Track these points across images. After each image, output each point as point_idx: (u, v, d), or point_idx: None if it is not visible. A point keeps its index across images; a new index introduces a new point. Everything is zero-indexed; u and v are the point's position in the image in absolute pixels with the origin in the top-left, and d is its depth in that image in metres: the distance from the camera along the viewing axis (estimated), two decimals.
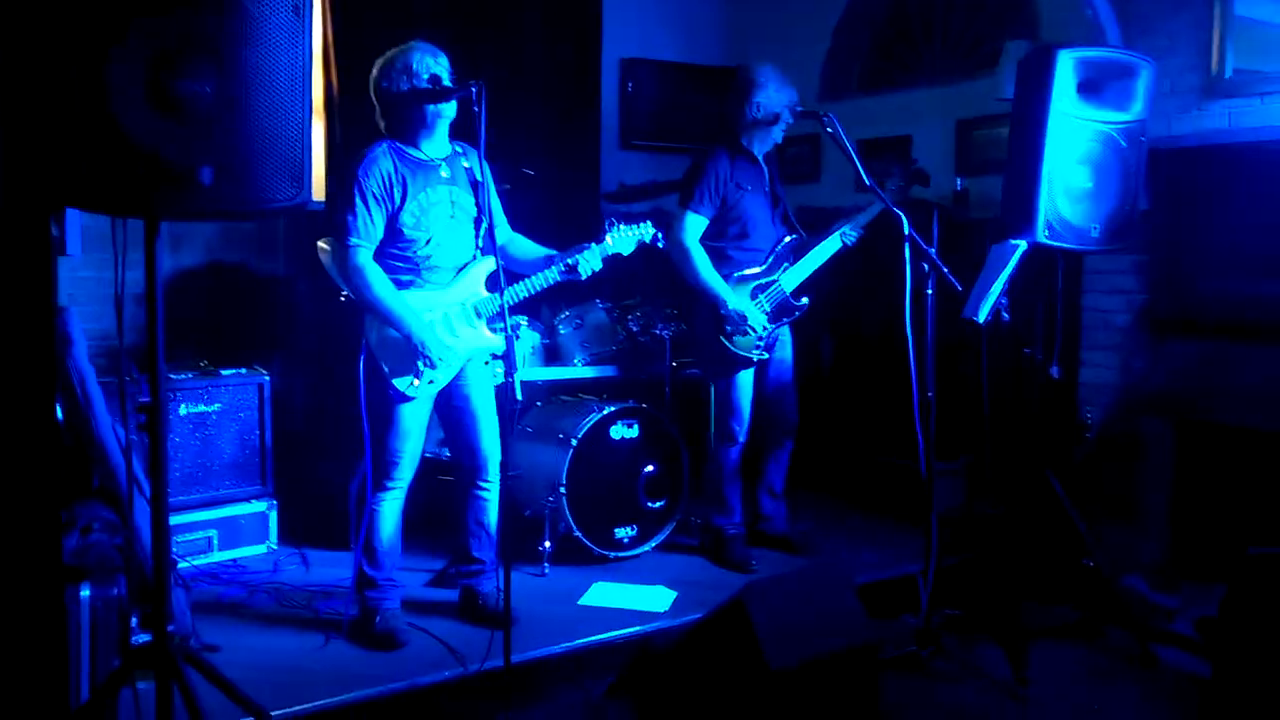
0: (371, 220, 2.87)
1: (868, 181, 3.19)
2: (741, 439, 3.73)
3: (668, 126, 5.39)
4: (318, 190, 4.30)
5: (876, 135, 4.84)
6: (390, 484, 2.99)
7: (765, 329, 3.62)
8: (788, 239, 3.75)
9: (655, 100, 5.39)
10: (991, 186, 3.64)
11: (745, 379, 3.68)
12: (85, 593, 2.34)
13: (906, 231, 3.08)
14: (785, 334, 3.80)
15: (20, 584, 2.11)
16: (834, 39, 5.18)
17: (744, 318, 3.56)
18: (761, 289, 3.66)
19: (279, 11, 1.96)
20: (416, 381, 2.93)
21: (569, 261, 3.05)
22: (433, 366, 2.92)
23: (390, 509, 3.02)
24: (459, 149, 3.06)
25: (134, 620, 2.59)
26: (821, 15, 5.18)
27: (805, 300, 3.72)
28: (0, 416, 1.96)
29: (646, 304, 4.13)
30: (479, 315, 3.04)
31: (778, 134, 3.65)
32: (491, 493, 3.13)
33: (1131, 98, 3.37)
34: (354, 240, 2.87)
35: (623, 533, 3.69)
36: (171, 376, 3.61)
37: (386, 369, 2.92)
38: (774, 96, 3.58)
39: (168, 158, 1.86)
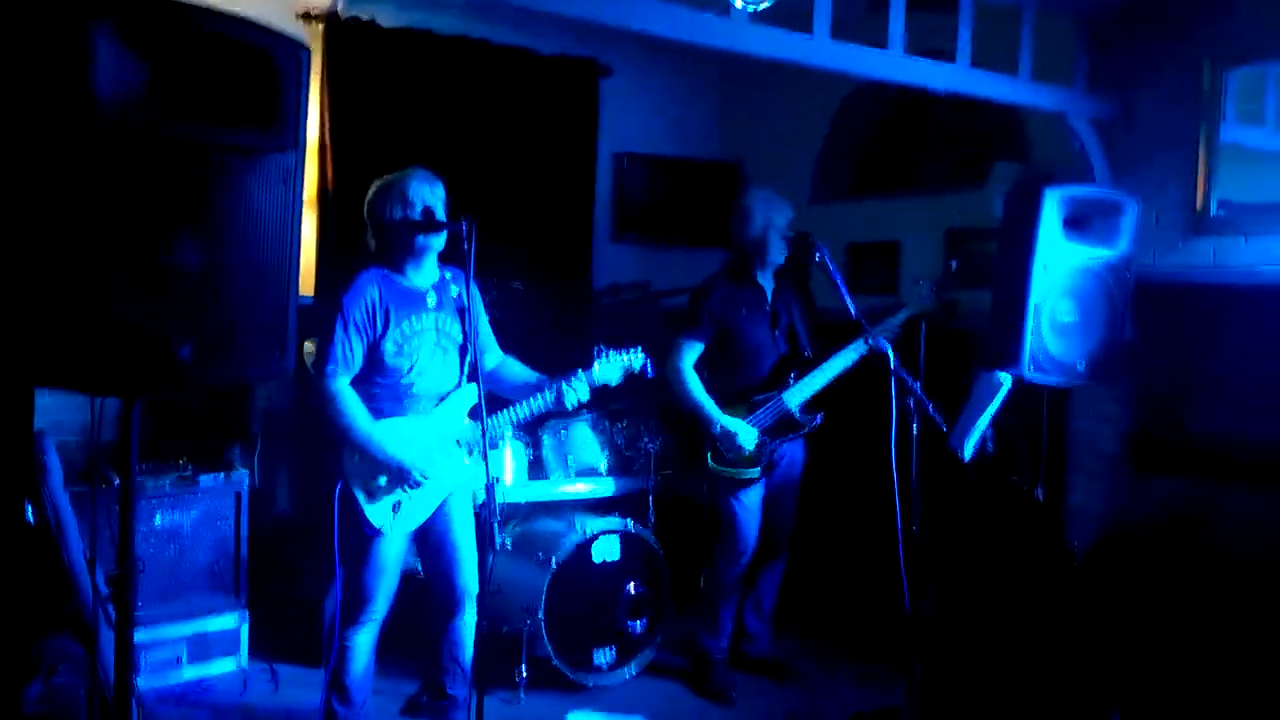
0: (351, 349, 2.85)
1: (853, 313, 3.19)
2: (746, 560, 3.68)
3: (659, 220, 5.42)
4: (306, 285, 4.28)
5: (866, 240, 4.87)
6: (364, 618, 2.93)
7: (766, 447, 3.58)
8: (801, 355, 3.71)
9: (647, 194, 5.42)
10: (980, 299, 3.63)
11: (749, 498, 3.63)
12: None
13: (892, 367, 3.07)
14: (796, 447, 3.75)
15: None
16: (826, 142, 5.22)
17: (732, 436, 3.53)
18: (759, 406, 3.62)
19: (269, 183, 1.94)
20: (393, 515, 2.87)
21: (554, 393, 3.02)
22: (416, 486, 2.87)
23: (363, 642, 2.96)
24: (448, 275, 3.05)
25: None
26: (815, 117, 5.23)
27: (820, 416, 3.66)
28: None
29: (632, 416, 4.10)
30: (460, 445, 3.00)
31: (777, 255, 3.65)
32: (468, 628, 3.06)
33: (1117, 234, 3.41)
34: (331, 367, 2.84)
35: (601, 657, 3.62)
36: (148, 483, 3.55)
37: (361, 500, 2.86)
38: (769, 220, 3.61)
39: (149, 334, 1.80)
